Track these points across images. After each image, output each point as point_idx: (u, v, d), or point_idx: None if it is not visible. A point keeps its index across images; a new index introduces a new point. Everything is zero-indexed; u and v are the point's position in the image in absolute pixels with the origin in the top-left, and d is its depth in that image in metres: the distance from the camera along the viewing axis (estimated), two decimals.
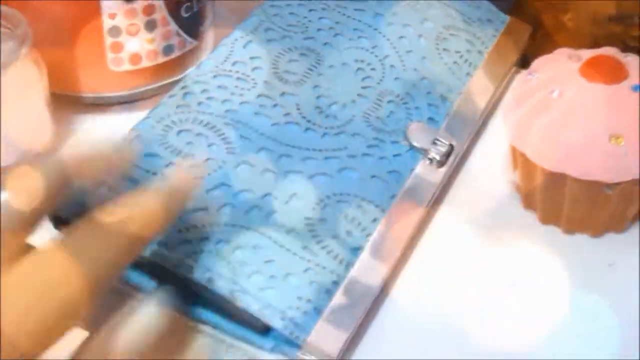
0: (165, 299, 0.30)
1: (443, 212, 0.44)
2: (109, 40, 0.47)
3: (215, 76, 0.44)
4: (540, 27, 0.54)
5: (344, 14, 0.48)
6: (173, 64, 0.50)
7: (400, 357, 0.38)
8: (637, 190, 0.42)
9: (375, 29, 0.47)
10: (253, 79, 0.44)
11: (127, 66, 0.49)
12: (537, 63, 0.44)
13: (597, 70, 0.42)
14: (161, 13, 0.48)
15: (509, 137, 0.43)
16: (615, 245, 0.43)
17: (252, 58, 0.44)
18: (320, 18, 0.47)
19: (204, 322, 0.37)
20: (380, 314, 0.40)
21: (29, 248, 0.30)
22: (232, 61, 0.44)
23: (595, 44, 0.46)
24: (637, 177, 0.41)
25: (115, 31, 0.47)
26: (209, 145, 0.40)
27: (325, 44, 0.46)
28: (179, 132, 0.41)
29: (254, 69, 0.44)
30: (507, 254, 0.43)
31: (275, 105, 0.43)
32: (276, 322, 0.35)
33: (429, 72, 0.47)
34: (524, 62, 0.51)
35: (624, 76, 0.42)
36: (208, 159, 0.40)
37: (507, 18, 0.52)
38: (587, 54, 0.43)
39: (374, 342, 0.39)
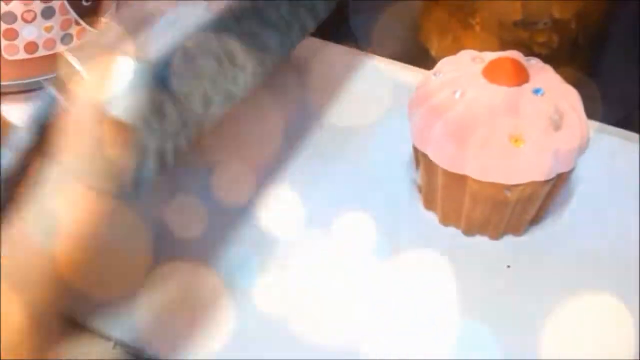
0: None
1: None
2: (2, 26, 0.45)
3: None
4: (449, 30, 0.54)
5: None
6: None
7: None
8: (535, 192, 0.42)
9: None
10: None
11: (22, 54, 0.47)
12: (441, 64, 0.44)
13: (499, 73, 0.42)
14: (60, 0, 0.46)
15: (412, 138, 0.43)
16: (514, 247, 0.44)
17: None
18: None
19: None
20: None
21: None
22: None
23: (502, 48, 0.46)
24: (536, 179, 0.41)
25: (9, 17, 0.45)
26: None
27: None
28: None
29: None
30: (405, 254, 0.42)
31: None
32: None
33: None
34: (433, 64, 0.51)
35: (525, 79, 0.42)
36: None
37: None
38: (490, 56, 0.43)
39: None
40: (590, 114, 0.43)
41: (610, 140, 0.49)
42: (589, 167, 0.45)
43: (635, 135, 0.49)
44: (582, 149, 0.42)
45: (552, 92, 0.42)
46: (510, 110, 0.41)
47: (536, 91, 0.42)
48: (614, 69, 0.56)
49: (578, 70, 0.54)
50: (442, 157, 0.41)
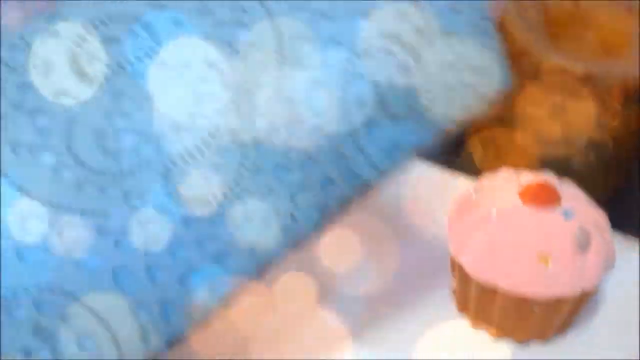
0: None
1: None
2: None
3: None
4: (492, 142, 0.59)
5: None
6: None
7: None
8: (560, 306, 0.46)
9: None
10: None
11: None
12: (481, 182, 0.49)
13: (533, 195, 0.46)
14: None
15: (450, 247, 0.47)
16: (540, 353, 0.47)
17: None
18: None
19: None
20: None
21: None
22: None
23: (541, 164, 0.50)
24: (562, 294, 0.45)
25: None
26: None
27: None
28: None
29: None
30: (437, 353, 0.46)
31: None
32: None
33: None
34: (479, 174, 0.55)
35: (557, 202, 0.46)
36: None
37: None
38: (527, 178, 0.48)
39: None
40: (624, 229, 0.47)
41: (638, 256, 0.53)
42: (617, 281, 0.49)
43: None
44: (607, 269, 0.46)
45: (581, 214, 0.46)
46: (540, 231, 0.45)
47: (566, 214, 0.46)
48: None
49: (612, 187, 0.58)
50: (476, 269, 0.45)
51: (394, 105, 0.35)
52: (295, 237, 0.33)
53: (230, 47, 0.33)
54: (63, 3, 0.31)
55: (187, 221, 0.32)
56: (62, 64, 0.31)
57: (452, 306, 0.49)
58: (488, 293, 0.46)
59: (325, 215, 0.34)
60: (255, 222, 0.32)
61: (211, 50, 0.33)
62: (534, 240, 0.45)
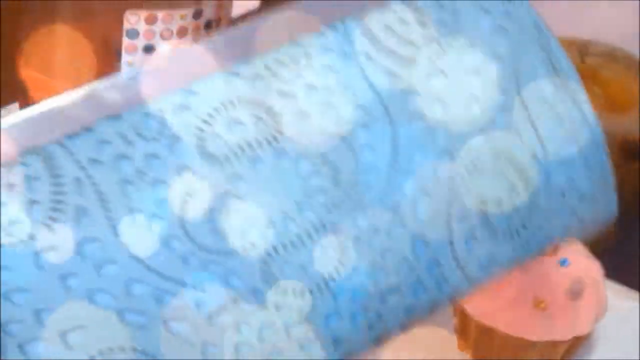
0: None
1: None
2: None
3: None
4: None
5: None
6: None
7: None
8: (554, 348, 0.49)
9: None
10: None
11: None
12: None
13: None
14: None
15: None
16: None
17: None
18: None
19: None
20: None
21: None
22: None
23: None
24: (554, 339, 0.48)
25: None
26: None
27: None
28: None
29: None
30: None
31: None
32: None
33: None
34: None
35: (554, 251, 0.50)
36: None
37: None
38: None
39: None
40: (623, 280, 0.50)
41: (630, 304, 0.56)
42: (610, 327, 0.52)
43: None
44: (599, 316, 0.49)
45: (577, 263, 0.50)
46: (537, 278, 0.48)
47: (562, 262, 0.49)
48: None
49: (612, 240, 0.61)
50: (476, 310, 0.49)
51: (497, 223, 0.35)
52: (378, 335, 0.34)
53: (344, 142, 0.33)
54: (197, 80, 0.32)
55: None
56: (188, 139, 0.32)
57: (454, 344, 0.52)
58: (487, 333, 0.49)
59: (412, 317, 0.34)
60: (343, 318, 0.33)
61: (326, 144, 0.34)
62: (530, 285, 0.48)
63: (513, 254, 0.35)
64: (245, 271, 0.32)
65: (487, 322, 0.49)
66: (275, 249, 0.32)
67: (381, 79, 0.34)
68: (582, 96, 0.37)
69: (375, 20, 0.34)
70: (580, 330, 0.49)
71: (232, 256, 0.32)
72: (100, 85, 0.31)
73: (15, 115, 0.31)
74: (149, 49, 0.55)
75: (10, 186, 0.30)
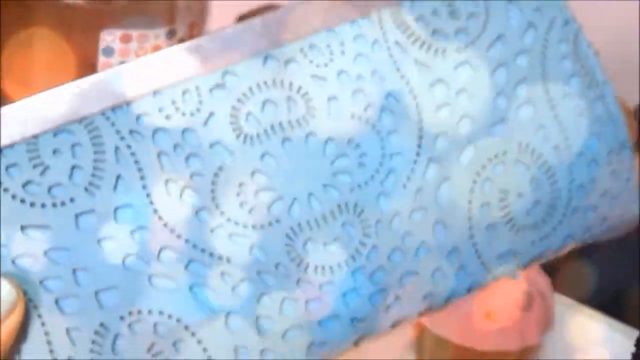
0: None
1: None
2: None
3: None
4: None
5: None
6: None
7: None
8: (506, 358, 0.51)
9: None
10: None
11: None
12: None
13: None
14: None
15: None
16: None
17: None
18: None
19: None
20: None
21: None
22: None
23: None
24: (503, 349, 0.51)
25: None
26: None
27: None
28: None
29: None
30: None
31: None
32: None
33: None
34: None
35: None
36: None
37: None
38: None
39: None
40: (572, 294, 0.53)
41: (579, 318, 0.58)
42: (558, 338, 0.54)
43: (602, 317, 0.59)
44: (546, 329, 0.52)
45: (527, 278, 0.52)
46: (489, 291, 0.51)
47: (512, 276, 0.52)
48: (602, 260, 0.65)
49: (566, 258, 0.64)
50: (431, 322, 0.51)
51: (517, 215, 0.35)
52: (395, 318, 0.34)
53: (371, 127, 0.35)
54: (235, 62, 0.34)
55: (301, 281, 0.34)
56: (222, 115, 0.34)
57: (412, 355, 0.55)
58: (441, 344, 0.52)
59: (429, 304, 0.35)
60: (362, 297, 0.34)
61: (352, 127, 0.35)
62: (482, 298, 0.51)
63: (532, 248, 0.36)
64: (270, 246, 0.34)
65: (441, 333, 0.51)
66: (299, 225, 0.34)
67: (411, 68, 0.35)
68: (608, 92, 0.38)
69: (408, 10, 0.36)
70: (529, 341, 0.51)
71: (258, 230, 0.34)
72: (140, 61, 0.33)
73: (60, 88, 0.33)
74: None
75: (56, 151, 0.33)
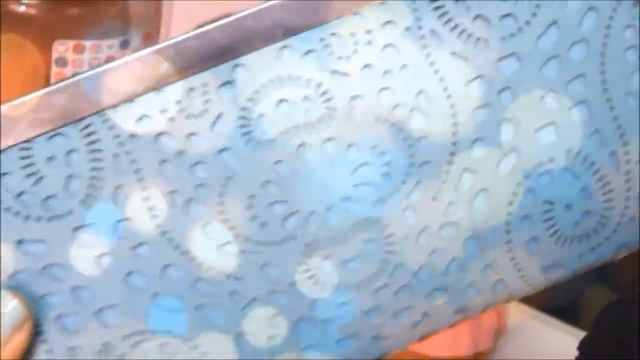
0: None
1: None
2: None
3: None
4: None
5: None
6: None
7: None
8: None
9: None
10: None
11: None
12: None
13: None
14: None
15: None
16: None
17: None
18: None
19: None
20: None
21: None
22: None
23: None
24: (456, 354, 0.51)
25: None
26: None
27: None
28: None
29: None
30: None
31: None
32: None
33: None
34: None
35: None
36: None
37: None
38: None
39: None
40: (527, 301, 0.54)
41: (531, 322, 0.59)
42: (511, 344, 0.55)
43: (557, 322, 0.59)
44: (499, 334, 0.53)
45: None
46: None
47: None
48: None
49: None
50: None
51: (564, 229, 0.32)
52: (423, 332, 0.32)
53: (400, 131, 0.31)
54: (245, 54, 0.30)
55: (314, 304, 0.31)
56: (230, 117, 0.30)
57: None
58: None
59: (462, 316, 0.32)
60: (385, 315, 0.31)
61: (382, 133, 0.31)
62: None
63: (580, 260, 0.32)
64: (284, 264, 0.30)
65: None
66: (316, 242, 0.31)
67: (447, 62, 0.30)
68: None
69: None
70: (482, 347, 0.52)
71: (270, 247, 0.30)
72: (141, 54, 0.29)
73: (54, 85, 0.29)
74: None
75: (50, 158, 0.29)
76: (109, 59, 0.57)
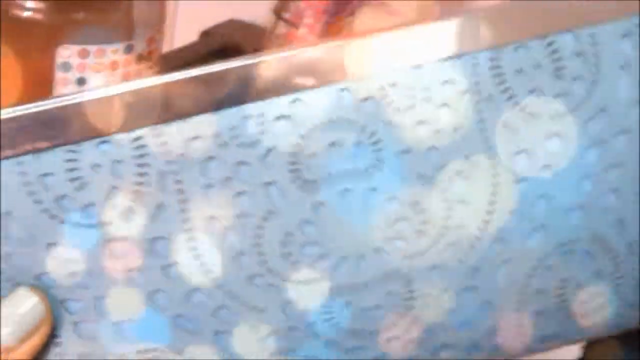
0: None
1: None
2: None
3: None
4: None
5: None
6: None
7: None
8: None
9: None
10: None
11: None
12: None
13: None
14: None
15: None
16: None
17: None
18: None
19: None
20: None
21: None
22: None
23: None
24: None
25: None
26: None
27: None
28: None
29: None
30: None
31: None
32: None
33: None
34: None
35: None
36: None
37: None
38: None
39: None
40: None
41: None
42: None
43: None
44: None
45: None
46: None
47: None
48: None
49: None
50: None
51: (573, 303, 0.33)
52: None
53: (439, 190, 0.31)
54: (306, 90, 0.30)
55: (330, 343, 0.31)
56: (282, 152, 0.30)
57: None
58: None
59: None
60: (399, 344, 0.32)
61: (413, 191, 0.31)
62: None
63: (579, 330, 0.34)
64: (307, 305, 0.31)
65: None
66: (340, 287, 0.31)
67: (498, 131, 0.30)
68: None
69: (511, 57, 0.30)
70: None
71: (297, 286, 0.31)
72: (206, 69, 0.29)
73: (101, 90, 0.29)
74: (81, 82, 0.57)
75: (95, 166, 0.29)
76: (114, 64, 0.57)
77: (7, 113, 0.28)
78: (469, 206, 0.31)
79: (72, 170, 0.28)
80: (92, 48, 0.56)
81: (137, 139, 0.29)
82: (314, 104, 0.29)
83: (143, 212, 0.29)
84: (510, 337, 0.32)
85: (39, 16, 0.55)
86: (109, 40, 0.55)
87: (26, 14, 0.55)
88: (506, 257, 0.32)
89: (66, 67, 0.56)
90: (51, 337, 0.30)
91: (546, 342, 0.33)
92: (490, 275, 0.32)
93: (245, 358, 0.30)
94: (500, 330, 0.32)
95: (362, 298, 0.31)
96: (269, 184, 0.30)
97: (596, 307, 0.33)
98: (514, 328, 0.32)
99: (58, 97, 0.29)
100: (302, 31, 0.47)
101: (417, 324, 0.32)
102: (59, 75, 0.56)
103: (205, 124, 0.29)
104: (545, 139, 0.31)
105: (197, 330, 0.30)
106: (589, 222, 0.31)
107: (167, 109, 0.29)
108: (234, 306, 0.30)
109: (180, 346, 0.30)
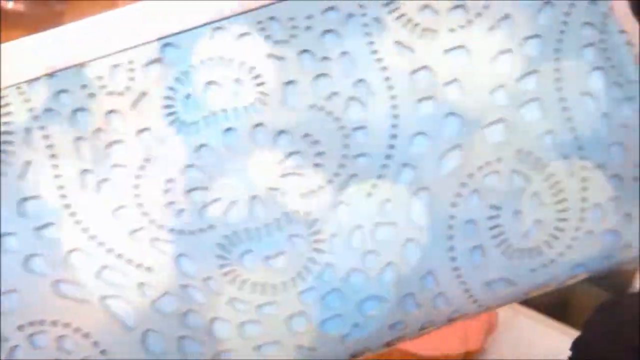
0: None
1: None
2: None
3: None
4: None
5: None
6: None
7: None
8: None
9: None
10: None
11: None
12: None
13: None
14: None
15: None
16: None
17: None
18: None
19: None
20: None
21: None
22: None
23: None
24: (448, 353, 0.50)
25: None
26: None
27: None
28: None
29: None
30: None
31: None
32: None
33: None
34: None
35: None
36: None
37: None
38: None
39: None
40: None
41: (521, 320, 0.56)
42: (501, 342, 0.54)
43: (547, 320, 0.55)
44: (490, 332, 0.52)
45: None
46: None
47: None
48: None
49: None
50: None
51: (512, 239, 0.29)
52: (354, 348, 0.29)
53: (336, 122, 0.29)
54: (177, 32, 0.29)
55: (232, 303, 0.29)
56: (156, 97, 0.28)
57: None
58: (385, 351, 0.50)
59: (395, 333, 0.29)
60: (310, 322, 0.28)
61: None
62: None
63: (531, 277, 0.29)
64: (200, 256, 0.28)
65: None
66: (236, 234, 0.28)
67: (390, 51, 0.29)
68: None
69: None
70: (472, 345, 0.51)
71: (186, 237, 0.28)
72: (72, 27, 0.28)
73: None
74: None
75: None
76: None
77: None
78: (367, 133, 0.29)
79: None
80: None
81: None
82: (185, 46, 0.28)
83: (10, 172, 0.28)
84: (452, 285, 0.29)
85: (21, 8, 0.56)
86: None
87: (9, 5, 0.57)
88: (420, 185, 0.29)
89: None
90: None
91: (494, 290, 0.29)
92: (406, 205, 0.29)
93: (140, 319, 0.28)
94: (436, 277, 0.29)
95: (262, 245, 0.28)
96: (142, 130, 0.28)
97: (542, 238, 0.29)
98: (451, 272, 0.29)
99: None
100: None
101: (330, 271, 0.28)
102: None
103: (71, 77, 0.28)
104: (445, 53, 0.29)
105: (82, 296, 0.28)
106: (510, 138, 0.29)
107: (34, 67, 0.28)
108: (119, 265, 0.28)
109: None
